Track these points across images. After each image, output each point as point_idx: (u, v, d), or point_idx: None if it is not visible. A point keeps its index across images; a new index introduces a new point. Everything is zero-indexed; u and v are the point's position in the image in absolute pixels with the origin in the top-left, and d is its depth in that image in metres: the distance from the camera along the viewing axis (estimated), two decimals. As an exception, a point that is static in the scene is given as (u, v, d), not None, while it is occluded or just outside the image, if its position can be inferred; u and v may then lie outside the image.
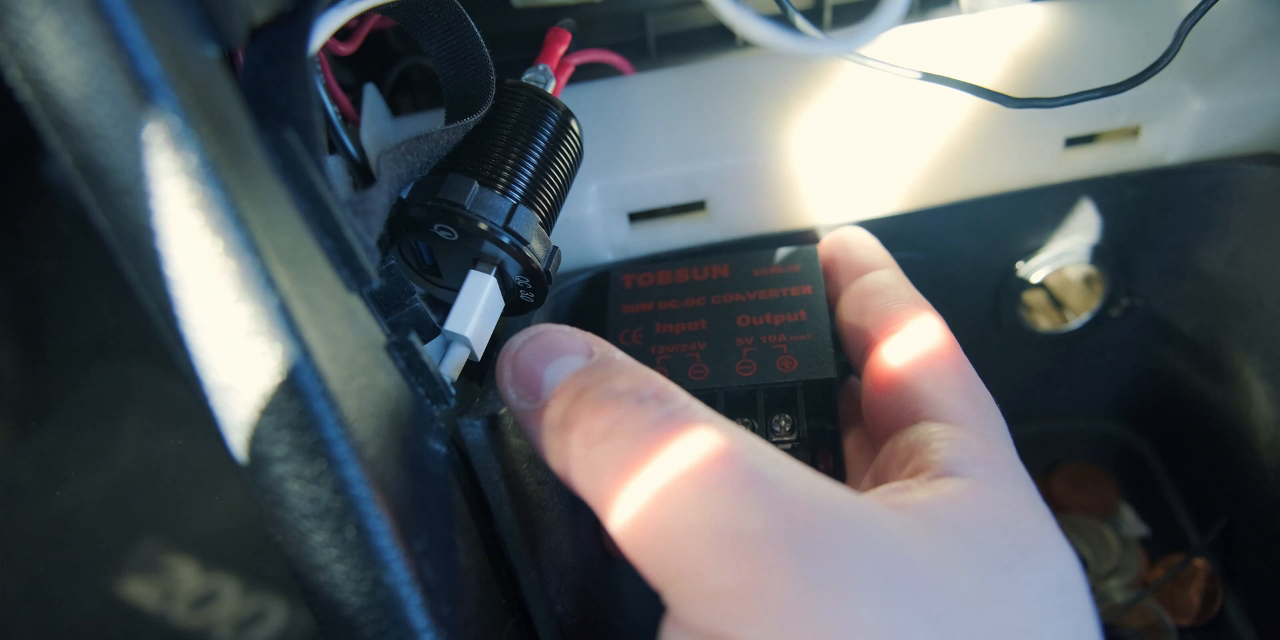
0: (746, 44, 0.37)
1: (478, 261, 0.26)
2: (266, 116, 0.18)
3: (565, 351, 0.22)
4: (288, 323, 0.17)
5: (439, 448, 0.22)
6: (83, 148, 0.15)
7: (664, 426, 0.18)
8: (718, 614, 0.17)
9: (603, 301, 0.32)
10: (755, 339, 0.28)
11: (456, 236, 0.25)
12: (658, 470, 0.18)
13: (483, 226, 0.25)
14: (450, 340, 0.25)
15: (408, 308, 0.22)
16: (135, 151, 0.15)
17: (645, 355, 0.28)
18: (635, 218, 0.33)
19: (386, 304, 0.22)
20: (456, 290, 0.26)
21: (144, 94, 0.15)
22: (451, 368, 0.25)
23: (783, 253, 0.30)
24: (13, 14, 0.15)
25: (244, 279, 0.16)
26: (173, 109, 0.15)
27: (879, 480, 0.22)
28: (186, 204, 0.16)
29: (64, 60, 0.15)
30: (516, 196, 0.26)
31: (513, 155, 0.26)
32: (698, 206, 0.34)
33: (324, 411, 0.17)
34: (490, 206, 0.25)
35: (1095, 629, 0.19)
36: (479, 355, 0.25)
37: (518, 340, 0.22)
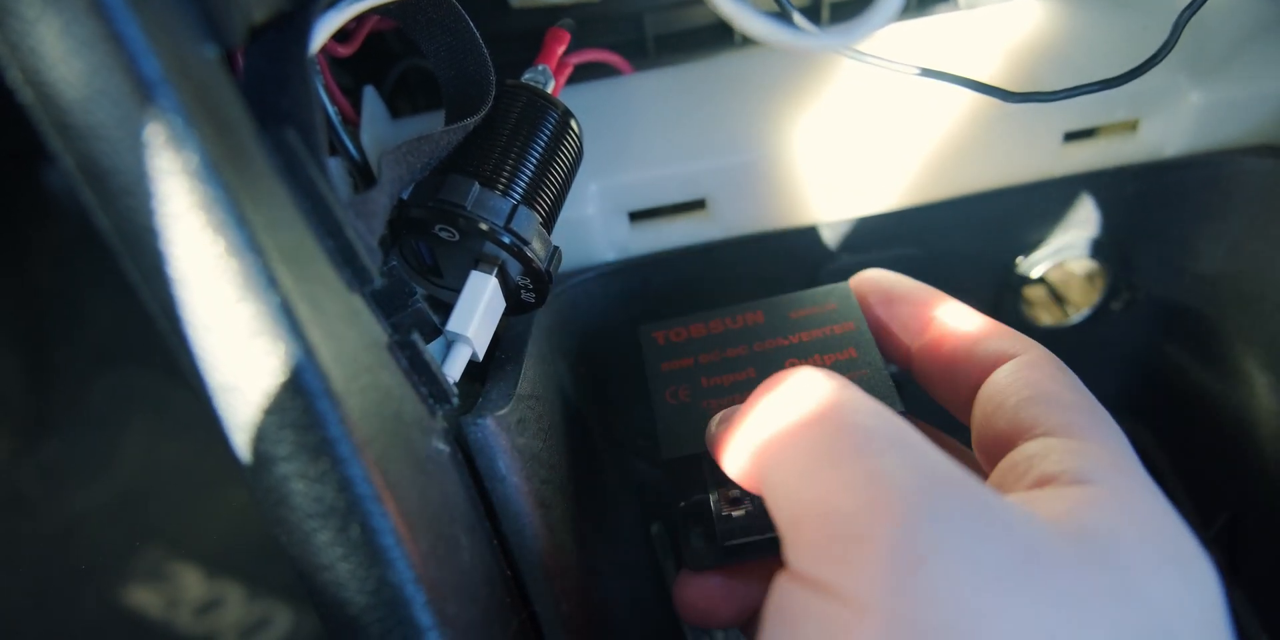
0: (745, 42, 0.37)
1: (479, 262, 0.26)
2: (267, 117, 0.18)
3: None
4: (290, 322, 0.17)
5: (442, 447, 0.22)
6: (84, 149, 0.15)
7: (829, 395, 0.20)
8: (831, 560, 0.17)
9: (621, 343, 0.32)
10: None
11: (458, 237, 0.25)
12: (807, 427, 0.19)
13: (484, 227, 0.25)
14: (452, 340, 0.25)
15: (409, 308, 0.22)
16: (136, 152, 0.15)
17: (697, 410, 0.27)
18: (636, 217, 0.33)
19: (388, 304, 0.22)
20: (457, 291, 0.26)
21: (145, 94, 0.15)
22: (454, 368, 0.25)
23: (814, 293, 0.29)
24: (13, 15, 0.15)
25: (246, 278, 0.16)
26: (173, 109, 0.15)
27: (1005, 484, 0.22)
28: (188, 204, 0.16)
29: (65, 61, 0.15)
30: (517, 197, 0.26)
31: (513, 155, 0.26)
32: (698, 205, 0.34)
33: (327, 410, 0.17)
34: (491, 207, 0.25)
35: None
36: (480, 355, 0.25)
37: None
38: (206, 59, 0.17)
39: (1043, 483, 0.20)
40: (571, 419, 0.30)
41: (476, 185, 0.25)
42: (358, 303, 0.20)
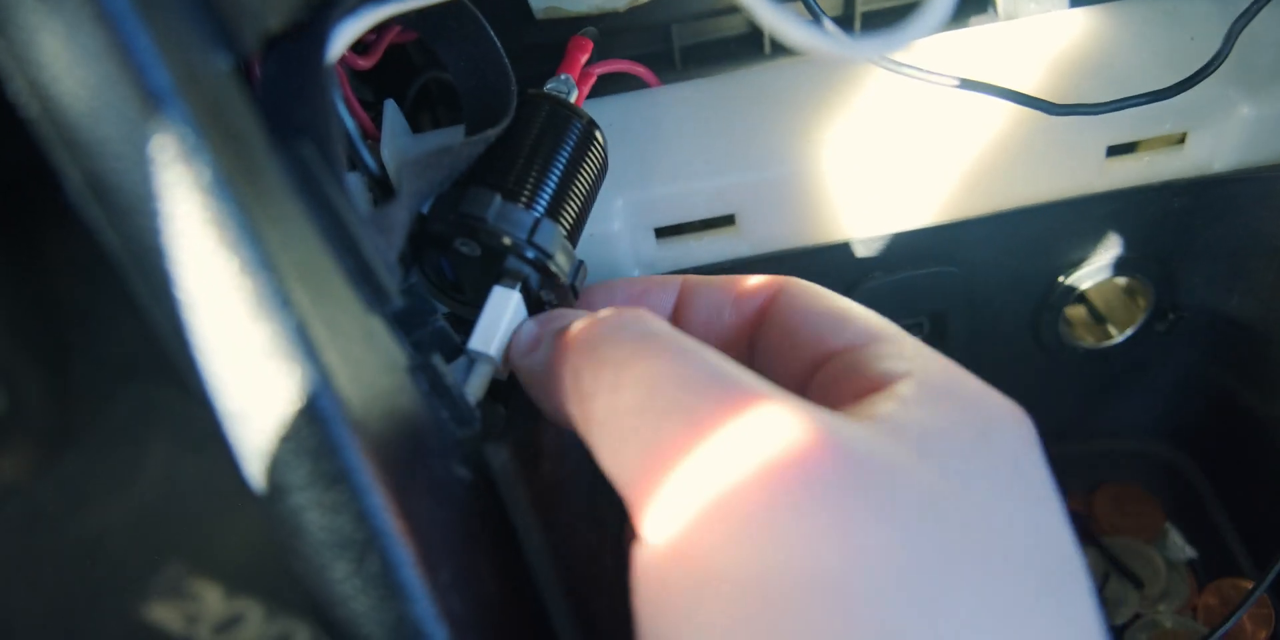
0: (774, 53, 0.37)
1: (502, 277, 0.25)
2: (283, 129, 0.18)
3: (568, 316, 0.23)
4: (306, 344, 0.16)
5: (464, 474, 0.21)
6: (91, 165, 0.15)
7: (640, 344, 0.19)
8: (680, 532, 0.17)
9: None
10: None
11: (479, 252, 0.25)
12: (634, 392, 0.18)
13: (506, 241, 0.24)
14: (475, 359, 0.24)
15: (429, 327, 0.22)
16: (145, 167, 0.15)
17: None
18: (662, 233, 0.33)
19: (408, 323, 0.21)
20: (480, 307, 0.25)
21: (154, 107, 0.14)
22: (476, 388, 0.24)
23: None
24: (14, 25, 0.14)
25: (260, 298, 0.15)
26: (184, 122, 0.15)
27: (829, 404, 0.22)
28: (199, 220, 0.15)
29: (69, 73, 0.14)
30: (540, 210, 0.25)
31: (536, 167, 0.26)
32: (726, 221, 0.33)
33: (344, 438, 0.16)
34: (513, 220, 0.24)
35: (1050, 496, 0.19)
36: (505, 374, 0.24)
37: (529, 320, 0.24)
38: (219, 69, 0.16)
39: (875, 386, 0.20)
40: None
41: (498, 198, 0.24)
42: (376, 324, 0.19)
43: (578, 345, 0.20)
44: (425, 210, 0.25)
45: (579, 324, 0.21)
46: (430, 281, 0.27)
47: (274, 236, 0.16)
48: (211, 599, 0.57)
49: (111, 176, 0.15)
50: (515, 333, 0.23)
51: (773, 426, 0.17)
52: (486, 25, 0.26)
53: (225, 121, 0.16)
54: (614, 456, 0.18)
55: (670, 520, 0.17)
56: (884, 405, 0.19)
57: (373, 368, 0.18)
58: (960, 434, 0.18)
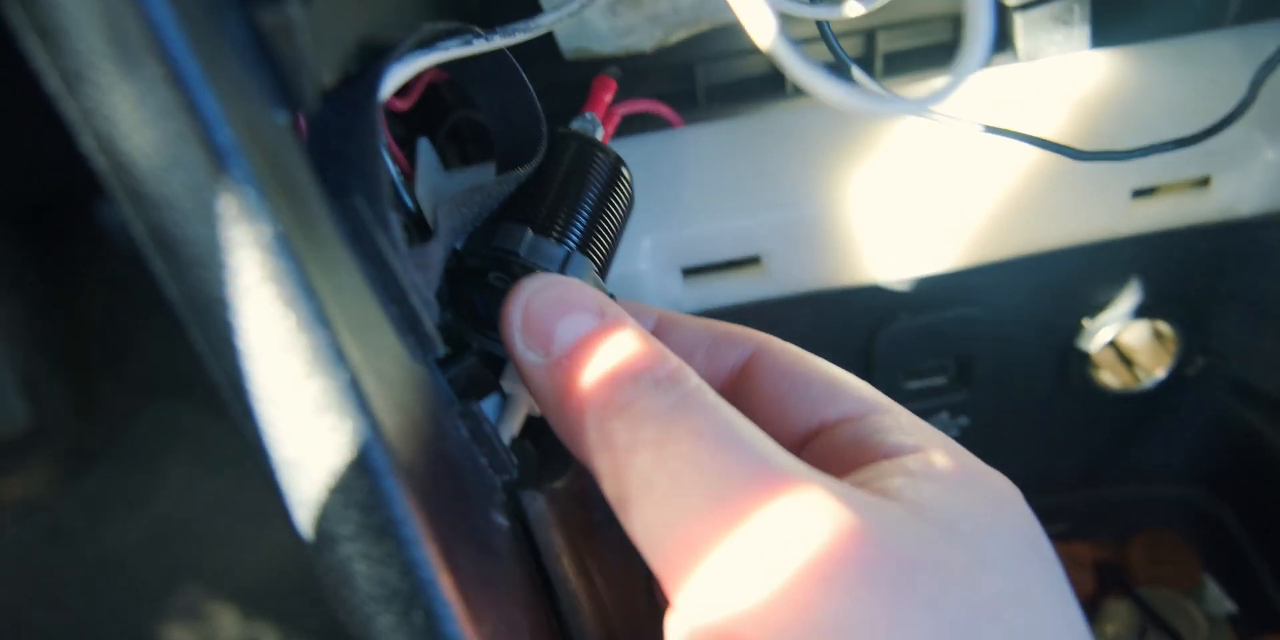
0: (797, 93, 0.37)
1: None
2: (332, 168, 0.18)
3: (577, 307, 0.21)
4: (358, 398, 0.16)
5: (502, 521, 0.21)
6: (156, 218, 0.15)
7: (677, 410, 0.19)
8: (728, 613, 0.17)
9: None
10: None
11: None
12: (666, 459, 0.18)
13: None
14: (510, 393, 0.24)
15: (464, 363, 0.22)
16: (209, 223, 0.15)
17: None
18: (689, 273, 0.33)
19: (444, 363, 0.21)
20: None
21: (218, 164, 0.15)
22: (512, 425, 0.24)
23: None
24: (88, 83, 0.14)
25: (315, 353, 0.16)
26: (247, 180, 0.15)
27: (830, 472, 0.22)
28: (259, 277, 0.15)
29: (139, 130, 0.14)
30: (571, 243, 0.25)
31: (565, 202, 0.26)
32: (752, 261, 0.33)
33: (392, 489, 0.16)
34: (545, 253, 0.25)
35: (1061, 573, 0.19)
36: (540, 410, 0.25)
37: (530, 286, 0.22)
38: (277, 125, 0.17)
39: (876, 458, 0.20)
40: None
41: (529, 232, 0.24)
42: (421, 372, 0.19)
43: (609, 399, 0.19)
44: (458, 246, 0.25)
45: (608, 371, 0.20)
46: (463, 318, 0.27)
47: (328, 289, 0.16)
48: (227, 622, 0.56)
49: (175, 230, 0.15)
50: (518, 306, 0.21)
51: (816, 514, 0.17)
52: (520, 70, 0.26)
53: (284, 176, 0.16)
54: (644, 526, 0.18)
55: (709, 601, 0.17)
56: (895, 480, 0.19)
57: (418, 415, 0.18)
58: (976, 511, 0.19)
